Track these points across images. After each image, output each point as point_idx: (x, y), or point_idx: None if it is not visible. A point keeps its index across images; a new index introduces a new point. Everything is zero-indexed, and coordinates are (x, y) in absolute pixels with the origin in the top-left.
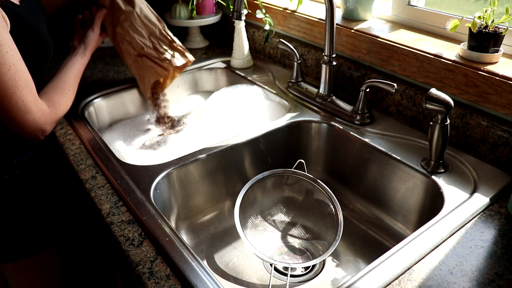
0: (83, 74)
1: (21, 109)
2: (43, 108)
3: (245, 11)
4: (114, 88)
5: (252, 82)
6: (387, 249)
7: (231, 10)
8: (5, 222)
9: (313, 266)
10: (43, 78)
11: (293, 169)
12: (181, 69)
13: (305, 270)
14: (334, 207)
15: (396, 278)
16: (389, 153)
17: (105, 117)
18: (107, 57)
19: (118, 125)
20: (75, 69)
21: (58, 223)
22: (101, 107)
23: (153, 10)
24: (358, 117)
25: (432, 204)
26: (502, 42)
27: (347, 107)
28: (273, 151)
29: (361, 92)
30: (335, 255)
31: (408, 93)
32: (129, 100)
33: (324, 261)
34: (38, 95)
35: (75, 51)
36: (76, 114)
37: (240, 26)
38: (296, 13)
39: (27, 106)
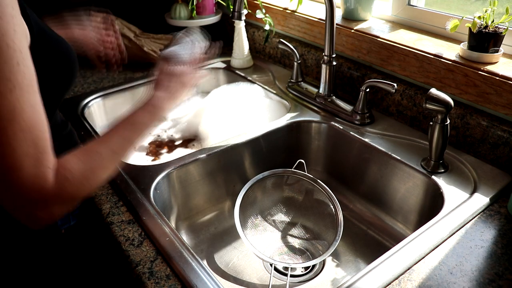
0: (83, 74)
1: (4, 159)
2: (46, 173)
3: (245, 11)
4: (114, 89)
5: (252, 82)
6: (387, 249)
7: (231, 10)
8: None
9: (313, 266)
10: (56, 115)
11: (293, 169)
12: None
13: (305, 270)
14: (334, 207)
15: (396, 278)
16: (389, 153)
17: (105, 117)
18: None
19: None
20: (130, 125)
21: None
22: (101, 107)
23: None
24: (358, 117)
25: (432, 204)
26: (502, 42)
27: (347, 107)
28: (273, 151)
29: (361, 92)
30: (335, 255)
31: (408, 93)
32: (129, 100)
33: (324, 261)
34: (53, 150)
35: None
36: (76, 114)
37: (240, 26)
38: (296, 13)
39: (17, 158)
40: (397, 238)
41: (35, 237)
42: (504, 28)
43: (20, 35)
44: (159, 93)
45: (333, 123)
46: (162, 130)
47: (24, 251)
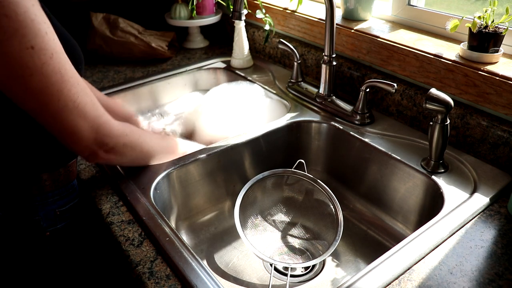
0: (83, 74)
1: (72, 112)
2: (106, 115)
3: (245, 11)
4: (114, 89)
5: (252, 82)
6: (387, 249)
7: (231, 10)
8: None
9: (313, 266)
10: None
11: (293, 169)
12: None
13: (305, 270)
14: (334, 207)
15: (396, 278)
16: (389, 153)
17: None
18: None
19: None
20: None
21: None
22: None
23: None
24: (358, 117)
25: (432, 204)
26: (502, 42)
27: (347, 107)
28: (273, 151)
29: (361, 92)
30: (335, 255)
31: (408, 93)
32: (129, 100)
33: (324, 261)
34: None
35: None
36: None
37: (240, 26)
38: (296, 13)
39: (81, 108)
40: (397, 238)
41: (18, 239)
42: (504, 28)
43: (38, 7)
44: (179, 139)
45: (333, 123)
46: (163, 125)
47: (7, 252)
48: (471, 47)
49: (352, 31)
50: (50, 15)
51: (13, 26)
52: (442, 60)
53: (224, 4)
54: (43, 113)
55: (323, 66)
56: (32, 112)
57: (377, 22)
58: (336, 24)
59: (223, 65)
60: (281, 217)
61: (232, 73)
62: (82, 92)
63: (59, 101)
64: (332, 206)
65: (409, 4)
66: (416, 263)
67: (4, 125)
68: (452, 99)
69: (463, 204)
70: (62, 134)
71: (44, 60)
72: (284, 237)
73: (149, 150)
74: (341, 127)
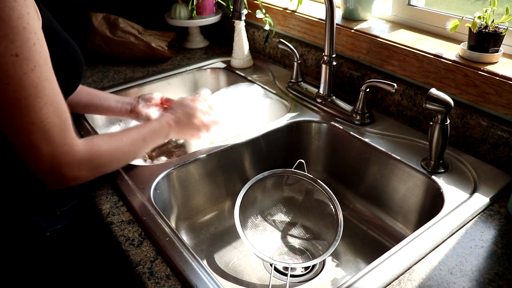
0: (83, 74)
1: (35, 132)
2: (72, 143)
3: (245, 11)
4: (114, 89)
5: (252, 82)
6: (387, 249)
7: (231, 10)
8: None
9: (313, 266)
10: None
11: (293, 169)
12: None
13: (305, 270)
14: (334, 207)
15: (396, 278)
16: (389, 153)
17: (105, 117)
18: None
19: (118, 125)
20: (145, 126)
21: None
22: None
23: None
24: (358, 117)
25: (432, 204)
26: (502, 42)
27: (347, 107)
28: (273, 151)
29: (361, 92)
30: (335, 255)
31: (408, 93)
32: None
33: (324, 261)
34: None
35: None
36: (76, 114)
37: (240, 26)
38: (296, 13)
39: (46, 131)
40: (397, 238)
41: (18, 239)
42: (504, 28)
43: (33, 16)
44: (168, 115)
45: (333, 123)
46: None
47: (7, 252)
48: (471, 47)
49: (352, 31)
50: (51, 20)
51: (3, 29)
52: (442, 60)
53: (224, 4)
54: (8, 124)
55: (323, 66)
56: None
57: (377, 22)
58: (336, 24)
59: (223, 65)
60: (281, 217)
61: (232, 73)
62: (54, 113)
63: (26, 116)
64: (332, 206)
65: (409, 4)
66: (416, 263)
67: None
68: (452, 99)
69: (463, 204)
70: (22, 150)
71: (25, 70)
72: (284, 237)
73: (131, 151)
74: (341, 127)
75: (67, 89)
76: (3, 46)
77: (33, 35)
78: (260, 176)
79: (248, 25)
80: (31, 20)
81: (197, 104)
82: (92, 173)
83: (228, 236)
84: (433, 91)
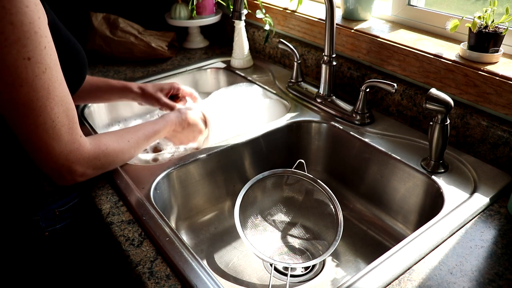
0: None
1: (47, 131)
2: (80, 141)
3: (245, 11)
4: None
5: (252, 82)
6: (387, 249)
7: (231, 10)
8: None
9: (313, 266)
10: None
11: (293, 169)
12: None
13: (305, 270)
14: (334, 207)
15: (396, 278)
16: (389, 153)
17: (105, 117)
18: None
19: (118, 125)
20: (149, 127)
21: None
22: (101, 107)
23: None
24: (358, 117)
25: (432, 204)
26: (502, 42)
27: (347, 107)
28: (273, 151)
29: (361, 92)
30: (335, 255)
31: (408, 93)
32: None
33: (324, 261)
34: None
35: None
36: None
37: (240, 26)
38: (296, 13)
39: (57, 130)
40: (397, 238)
41: (17, 239)
42: (504, 28)
43: (43, 20)
44: (172, 114)
45: (333, 123)
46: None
47: (6, 252)
48: (471, 47)
49: (352, 31)
50: (57, 21)
51: (16, 34)
52: (442, 60)
53: (224, 4)
54: (21, 125)
55: (323, 66)
56: (10, 120)
57: (377, 22)
58: (336, 24)
59: (223, 65)
60: (281, 217)
61: (232, 73)
62: (63, 113)
63: (39, 117)
64: (332, 206)
65: (409, 4)
66: (416, 263)
67: (4, 125)
68: (452, 99)
69: (463, 204)
70: (34, 150)
71: (37, 73)
72: (284, 237)
73: (135, 151)
74: (341, 127)
75: (71, 88)
76: (15, 50)
77: (44, 38)
78: (260, 176)
79: (248, 25)
80: (42, 24)
81: (200, 114)
82: (97, 170)
83: (228, 236)
84: (433, 91)
